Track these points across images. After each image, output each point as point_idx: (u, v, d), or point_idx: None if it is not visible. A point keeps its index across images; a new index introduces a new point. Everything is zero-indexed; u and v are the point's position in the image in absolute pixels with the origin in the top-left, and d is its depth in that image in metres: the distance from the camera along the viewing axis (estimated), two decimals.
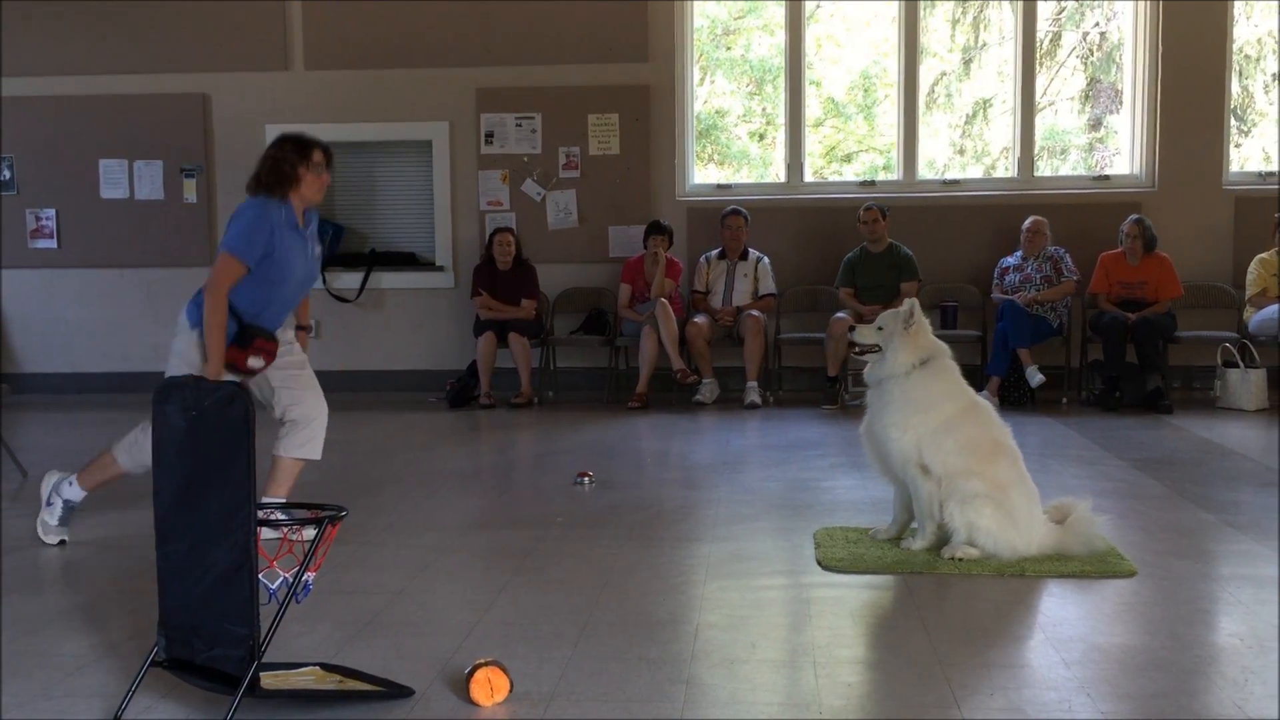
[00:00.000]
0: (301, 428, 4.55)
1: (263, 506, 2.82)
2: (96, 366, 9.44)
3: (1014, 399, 8.09)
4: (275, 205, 4.38)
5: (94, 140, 9.37)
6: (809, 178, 9.38)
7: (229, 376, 4.34)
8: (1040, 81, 9.68)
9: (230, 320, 4.32)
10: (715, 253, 8.78)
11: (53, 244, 9.48)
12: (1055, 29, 10.49)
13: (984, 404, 4.31)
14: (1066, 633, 3.38)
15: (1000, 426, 4.24)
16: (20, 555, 4.41)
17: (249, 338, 4.34)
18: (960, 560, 4.02)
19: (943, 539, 4.16)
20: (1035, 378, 7.98)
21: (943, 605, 3.67)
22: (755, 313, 8.42)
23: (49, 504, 4.59)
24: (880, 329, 4.34)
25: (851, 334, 4.46)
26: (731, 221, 8.60)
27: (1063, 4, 10.21)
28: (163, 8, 9.27)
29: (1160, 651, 3.21)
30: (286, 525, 2.85)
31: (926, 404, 4.17)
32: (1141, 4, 8.91)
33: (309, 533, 2.84)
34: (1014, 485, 4.10)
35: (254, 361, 4.36)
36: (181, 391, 2.79)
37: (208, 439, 2.73)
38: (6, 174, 9.46)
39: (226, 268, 4.30)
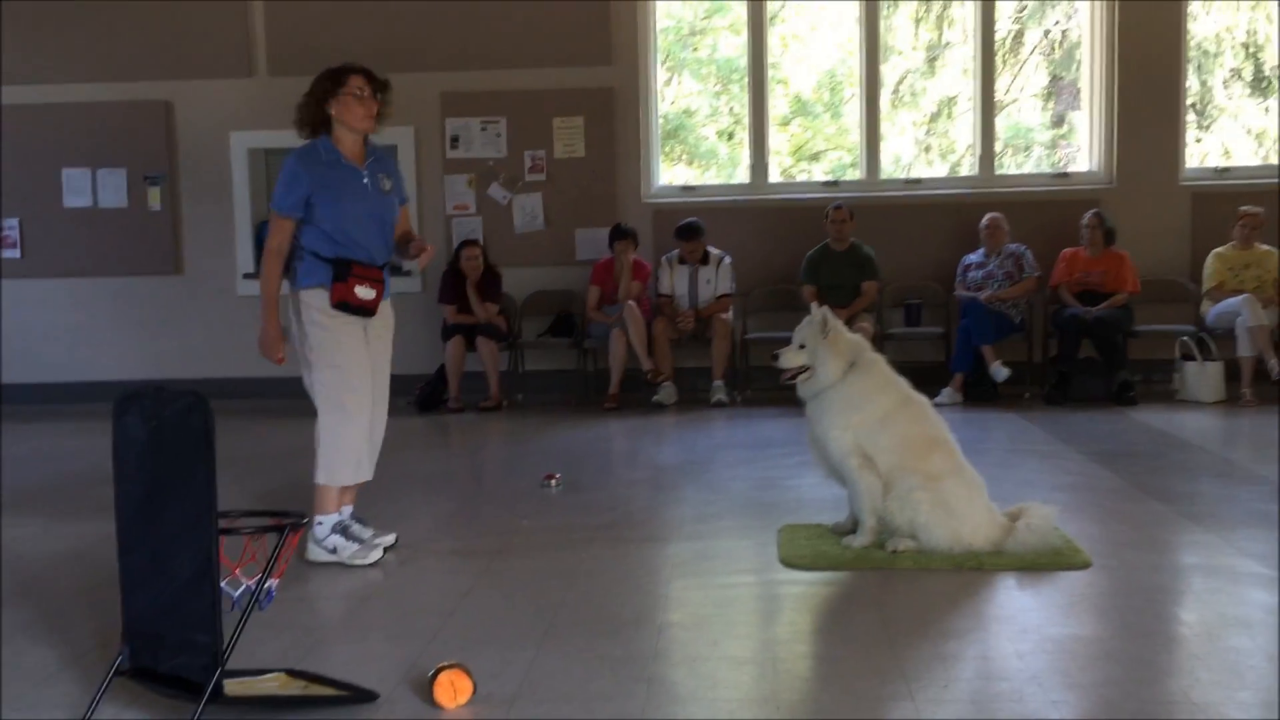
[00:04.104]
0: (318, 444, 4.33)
1: (224, 515, 2.84)
2: (62, 376, 9.37)
3: (977, 395, 8.18)
4: (312, 148, 4.30)
5: (56, 149, 9.31)
6: (776, 177, 9.44)
7: (349, 321, 4.23)
8: (1004, 79, 9.77)
9: (320, 265, 4.24)
10: (675, 254, 8.77)
11: (16, 254, 9.41)
12: (1017, 26, 10.60)
13: (918, 399, 4.39)
14: (1021, 624, 3.45)
15: (935, 421, 4.34)
16: None
17: (344, 270, 4.23)
18: (897, 553, 4.10)
19: (886, 534, 4.23)
20: (1000, 373, 8.06)
21: (901, 599, 3.73)
22: (722, 315, 8.46)
23: (336, 550, 4.30)
24: (803, 347, 4.45)
25: (777, 361, 4.53)
26: (686, 246, 8.50)
27: (1024, 2, 10.31)
28: (124, 15, 9.22)
29: (1112, 641, 3.28)
30: (248, 533, 2.87)
31: (862, 401, 4.30)
32: (1098, 2, 9.02)
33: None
34: (950, 476, 4.17)
35: (362, 291, 4.23)
36: (140, 402, 2.81)
37: (168, 449, 2.74)
38: None
39: (274, 227, 4.32)
